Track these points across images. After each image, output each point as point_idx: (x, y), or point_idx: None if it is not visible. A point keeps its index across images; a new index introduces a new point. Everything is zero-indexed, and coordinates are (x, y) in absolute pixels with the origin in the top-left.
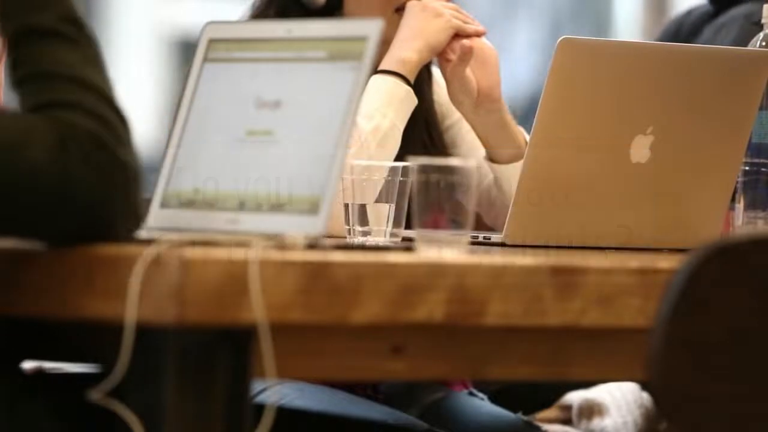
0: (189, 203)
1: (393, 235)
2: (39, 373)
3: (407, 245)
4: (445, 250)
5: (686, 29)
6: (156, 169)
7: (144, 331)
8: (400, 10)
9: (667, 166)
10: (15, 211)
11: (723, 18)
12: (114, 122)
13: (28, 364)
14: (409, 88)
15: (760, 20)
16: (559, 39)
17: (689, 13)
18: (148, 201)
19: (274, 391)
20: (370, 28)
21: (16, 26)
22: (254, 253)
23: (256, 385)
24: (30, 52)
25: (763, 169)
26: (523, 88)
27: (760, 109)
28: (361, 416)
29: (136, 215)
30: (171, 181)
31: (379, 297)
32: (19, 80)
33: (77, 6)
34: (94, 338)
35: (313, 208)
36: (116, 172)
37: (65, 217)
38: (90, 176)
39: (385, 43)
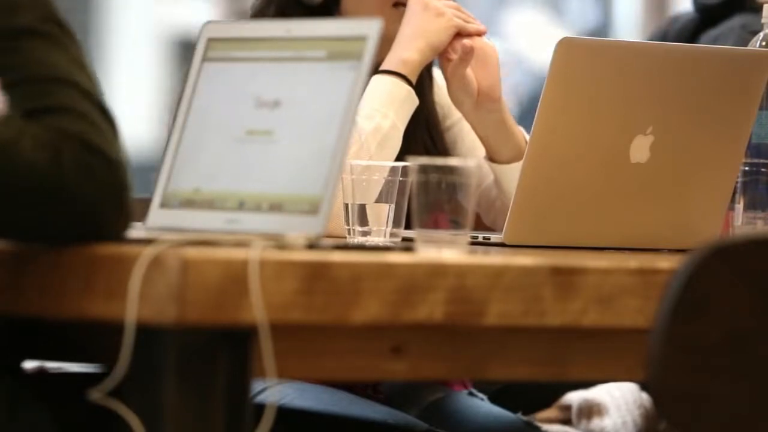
0: (189, 203)
1: (393, 235)
2: (40, 373)
3: (407, 245)
4: (445, 250)
5: (672, 36)
6: (156, 168)
7: (144, 331)
8: (398, 4)
9: (667, 166)
10: (7, 215)
11: (719, 29)
12: (101, 122)
13: (28, 364)
14: (410, 89)
15: (757, 30)
16: (559, 39)
17: (675, 20)
18: (148, 201)
19: (274, 391)
20: (370, 27)
21: None
22: (254, 253)
23: (256, 385)
24: (13, 55)
25: (763, 169)
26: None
27: (760, 109)
28: (361, 416)
29: (128, 214)
30: (171, 180)
31: (379, 297)
32: (5, 84)
33: (58, 6)
34: (94, 338)
35: (313, 208)
36: (107, 174)
37: (59, 221)
38: (83, 180)
39: (384, 41)
